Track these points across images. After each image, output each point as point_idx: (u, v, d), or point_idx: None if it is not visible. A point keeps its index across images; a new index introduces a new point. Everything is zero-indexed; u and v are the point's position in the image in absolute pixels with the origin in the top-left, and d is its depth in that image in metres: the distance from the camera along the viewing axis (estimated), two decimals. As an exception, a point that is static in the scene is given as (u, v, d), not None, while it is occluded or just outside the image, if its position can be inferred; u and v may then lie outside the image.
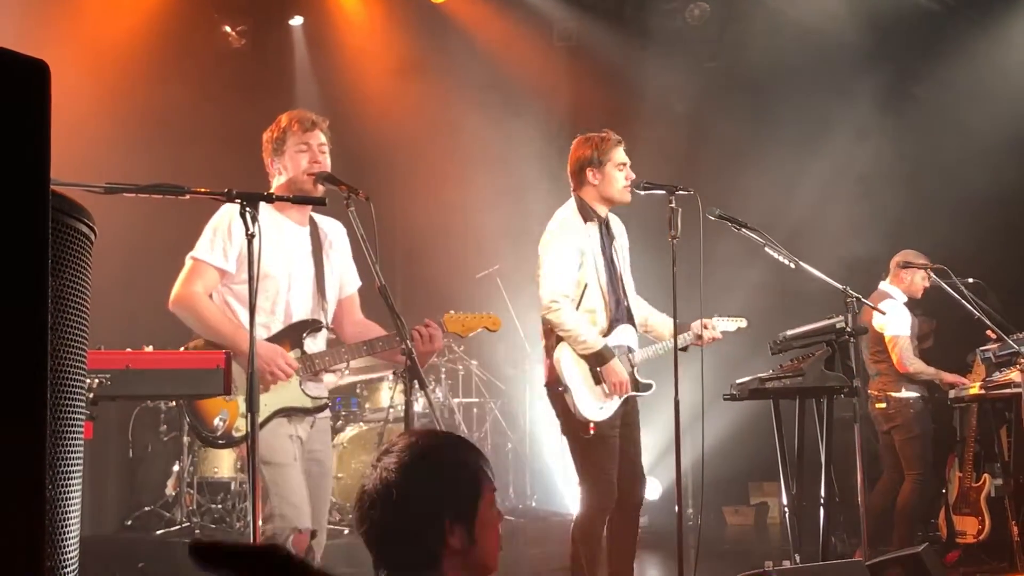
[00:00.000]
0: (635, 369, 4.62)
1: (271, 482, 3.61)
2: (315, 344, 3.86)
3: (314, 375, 3.80)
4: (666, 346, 4.69)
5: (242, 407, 3.64)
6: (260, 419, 3.58)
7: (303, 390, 3.77)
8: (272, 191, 3.84)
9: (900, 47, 8.21)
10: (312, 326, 3.84)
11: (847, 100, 8.20)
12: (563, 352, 4.49)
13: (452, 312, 4.05)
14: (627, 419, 4.61)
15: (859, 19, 8.00)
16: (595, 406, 4.47)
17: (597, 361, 4.48)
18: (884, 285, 6.43)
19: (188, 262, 3.77)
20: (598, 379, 4.50)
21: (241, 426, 3.65)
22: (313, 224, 3.96)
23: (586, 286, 4.53)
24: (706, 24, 8.42)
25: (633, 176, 4.63)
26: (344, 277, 4.05)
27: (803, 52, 7.94)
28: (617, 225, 4.76)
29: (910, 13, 8.01)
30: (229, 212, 3.72)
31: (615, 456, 4.52)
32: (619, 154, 4.62)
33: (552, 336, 4.55)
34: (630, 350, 4.63)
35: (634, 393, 4.60)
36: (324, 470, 3.89)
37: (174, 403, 6.58)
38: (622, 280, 4.67)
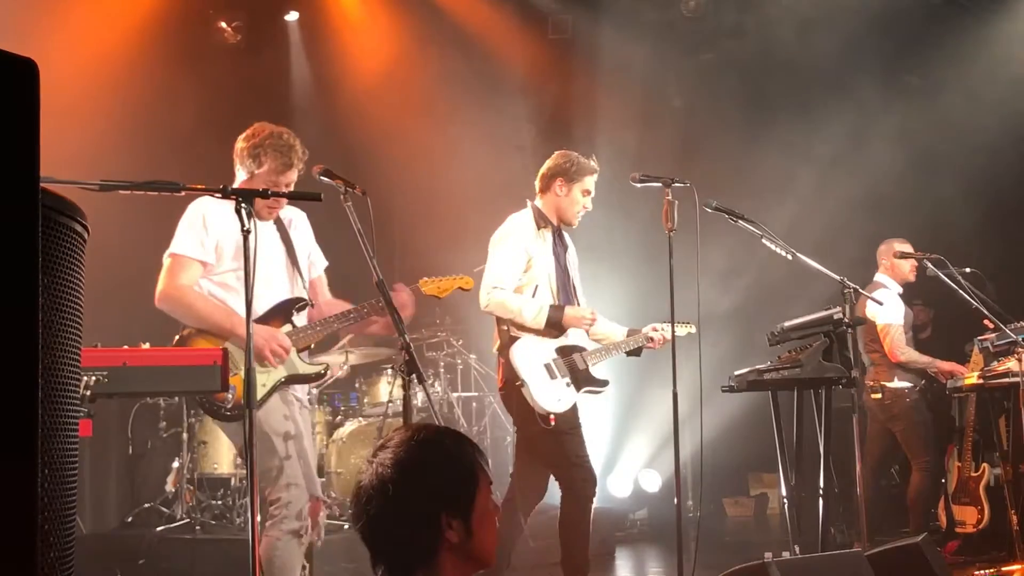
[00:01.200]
0: (588, 368, 4.66)
1: (286, 453, 3.72)
2: (300, 321, 3.98)
3: (304, 348, 3.91)
4: (619, 348, 4.82)
5: None
6: (267, 388, 3.76)
7: (302, 359, 3.90)
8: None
9: (897, 36, 8.19)
10: (299, 302, 3.95)
11: (844, 90, 8.19)
12: (516, 348, 4.53)
13: (426, 278, 4.18)
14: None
15: (856, 9, 7.98)
16: (553, 398, 4.51)
17: (554, 325, 4.54)
18: (878, 276, 6.46)
19: (167, 260, 3.83)
20: (553, 373, 4.53)
21: None
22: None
23: (536, 287, 4.60)
24: (702, 16, 8.40)
25: (590, 208, 4.73)
26: (312, 256, 4.18)
27: (800, 43, 7.92)
28: (568, 238, 4.87)
29: (908, 2, 7.99)
30: (200, 206, 3.81)
31: (584, 444, 4.58)
32: (590, 181, 4.73)
33: (504, 335, 4.59)
34: (583, 349, 4.68)
35: (591, 390, 4.64)
36: (306, 461, 3.99)
37: (175, 399, 6.59)
38: (574, 285, 4.76)
